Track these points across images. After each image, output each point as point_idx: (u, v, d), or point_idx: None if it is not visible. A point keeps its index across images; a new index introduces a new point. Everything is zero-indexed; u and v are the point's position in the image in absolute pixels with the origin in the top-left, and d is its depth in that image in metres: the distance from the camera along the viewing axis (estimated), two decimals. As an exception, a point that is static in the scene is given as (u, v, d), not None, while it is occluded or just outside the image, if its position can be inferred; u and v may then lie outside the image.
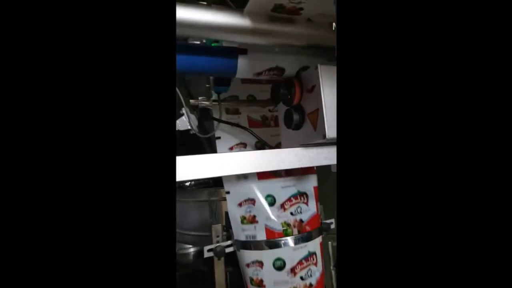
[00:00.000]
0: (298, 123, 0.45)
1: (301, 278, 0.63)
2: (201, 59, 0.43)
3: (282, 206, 0.64)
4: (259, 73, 0.45)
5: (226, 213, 0.79)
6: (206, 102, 0.62)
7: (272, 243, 0.64)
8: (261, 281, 0.63)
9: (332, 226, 0.80)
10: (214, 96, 0.64)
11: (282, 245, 0.63)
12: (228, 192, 0.66)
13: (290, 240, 0.63)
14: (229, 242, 0.68)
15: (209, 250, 0.65)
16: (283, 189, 0.65)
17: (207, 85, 0.63)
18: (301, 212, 0.66)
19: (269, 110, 0.74)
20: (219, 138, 0.69)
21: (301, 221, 0.65)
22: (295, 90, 0.44)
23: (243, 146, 0.70)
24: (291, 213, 0.65)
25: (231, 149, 0.68)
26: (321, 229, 0.71)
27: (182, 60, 0.41)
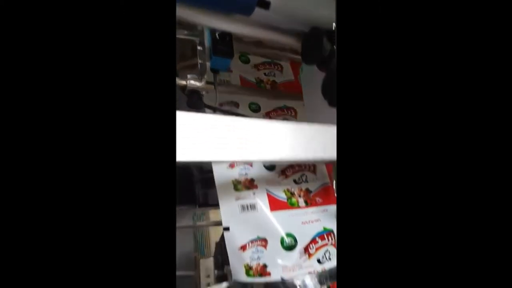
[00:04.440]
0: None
1: None
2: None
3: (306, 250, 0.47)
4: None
5: (217, 244, 0.59)
6: (197, 83, 0.46)
7: (288, 285, 0.44)
8: None
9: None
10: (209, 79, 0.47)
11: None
12: (227, 229, 0.47)
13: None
14: (223, 286, 0.47)
15: (195, 299, 0.44)
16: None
17: (199, 61, 0.46)
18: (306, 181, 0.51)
19: (265, 74, 0.65)
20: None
21: (308, 191, 0.51)
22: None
23: (248, 163, 0.52)
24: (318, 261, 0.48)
25: (231, 166, 0.50)
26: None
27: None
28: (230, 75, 0.61)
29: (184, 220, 0.61)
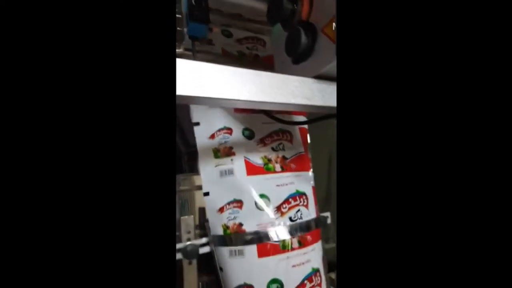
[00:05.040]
0: (307, 48, 0.32)
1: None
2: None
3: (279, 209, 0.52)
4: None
5: (200, 209, 0.63)
6: (177, 49, 0.48)
7: (261, 234, 0.48)
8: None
9: (329, 221, 0.66)
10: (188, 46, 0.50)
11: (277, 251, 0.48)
12: (197, 123, 0.52)
13: (284, 230, 0.49)
14: (203, 240, 0.51)
15: (177, 250, 0.48)
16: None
17: (178, 28, 0.48)
18: (301, 218, 0.54)
19: (247, 48, 0.66)
20: (197, 124, 0.54)
21: (284, 158, 0.55)
22: (303, 1, 0.32)
23: (228, 131, 0.56)
24: (290, 218, 0.53)
25: (211, 137, 0.54)
26: (318, 222, 0.58)
27: None
28: (212, 48, 0.63)
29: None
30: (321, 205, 1.32)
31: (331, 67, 0.31)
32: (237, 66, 0.28)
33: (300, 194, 0.55)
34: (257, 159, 0.54)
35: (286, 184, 0.54)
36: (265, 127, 0.56)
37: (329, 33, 0.30)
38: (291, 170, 0.56)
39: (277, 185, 0.53)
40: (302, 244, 0.52)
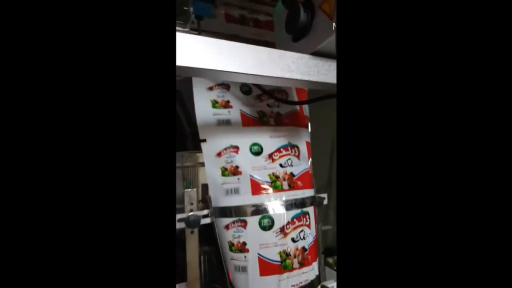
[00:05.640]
0: (306, 23, 0.34)
1: (292, 240, 0.52)
2: None
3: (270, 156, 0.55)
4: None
5: (203, 185, 0.66)
6: (183, 29, 0.50)
7: (258, 206, 0.51)
8: (244, 244, 0.50)
9: (325, 202, 0.69)
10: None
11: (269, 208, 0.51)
12: (204, 140, 0.53)
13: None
14: (205, 212, 0.55)
15: (180, 220, 0.51)
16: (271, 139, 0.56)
17: (184, 7, 0.50)
18: (292, 165, 0.56)
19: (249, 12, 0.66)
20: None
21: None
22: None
23: (225, 87, 0.57)
24: (281, 165, 0.55)
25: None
26: (313, 200, 0.60)
27: None
28: (215, 10, 0.62)
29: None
30: (322, 190, 1.35)
31: (328, 43, 0.33)
32: (238, 41, 0.30)
33: (292, 146, 0.58)
34: (253, 113, 0.57)
35: (279, 137, 0.57)
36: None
37: (326, 9, 0.32)
38: (284, 124, 0.59)
39: (270, 137, 0.56)
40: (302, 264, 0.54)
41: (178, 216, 0.51)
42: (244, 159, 0.53)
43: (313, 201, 0.60)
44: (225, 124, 0.54)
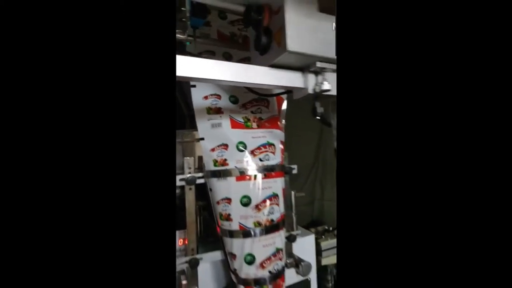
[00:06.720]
0: (266, 44, 0.50)
1: (263, 213, 0.71)
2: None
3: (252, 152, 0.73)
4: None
5: (199, 157, 0.84)
6: (182, 36, 0.65)
7: (240, 170, 0.70)
8: (229, 215, 0.70)
9: (294, 171, 0.87)
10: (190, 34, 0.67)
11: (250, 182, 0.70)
12: (202, 139, 0.72)
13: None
14: (200, 174, 0.73)
15: (181, 180, 0.70)
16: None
17: (182, 19, 0.65)
18: (268, 160, 0.75)
19: (238, 29, 0.84)
20: (194, 86, 0.72)
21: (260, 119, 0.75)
22: (265, 12, 0.49)
23: (217, 97, 0.74)
24: (260, 159, 0.74)
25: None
26: (283, 169, 0.79)
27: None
28: (210, 29, 0.80)
29: (176, 137, 0.86)
30: (307, 170, 1.60)
31: (280, 58, 0.49)
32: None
33: (270, 144, 0.76)
34: (239, 118, 0.75)
35: (259, 137, 0.75)
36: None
37: (276, 39, 0.48)
38: (265, 127, 0.77)
39: (253, 137, 0.74)
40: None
41: (180, 177, 0.70)
42: (231, 154, 0.71)
43: (282, 168, 0.78)
44: (217, 126, 0.72)
